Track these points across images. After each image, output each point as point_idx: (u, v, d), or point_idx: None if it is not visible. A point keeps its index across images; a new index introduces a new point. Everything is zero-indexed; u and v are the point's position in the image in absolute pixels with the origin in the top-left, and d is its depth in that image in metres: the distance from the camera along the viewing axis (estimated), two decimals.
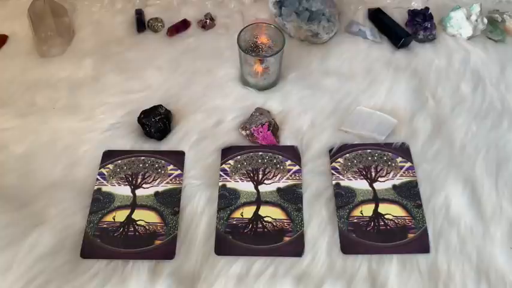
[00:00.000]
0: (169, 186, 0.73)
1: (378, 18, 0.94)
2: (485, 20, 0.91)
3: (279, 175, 0.74)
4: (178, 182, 0.73)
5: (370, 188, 0.73)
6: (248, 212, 0.70)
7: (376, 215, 0.70)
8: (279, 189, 0.72)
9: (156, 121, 0.76)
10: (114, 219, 0.70)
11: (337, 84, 0.84)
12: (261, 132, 0.76)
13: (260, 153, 0.76)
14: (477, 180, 0.73)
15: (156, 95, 0.83)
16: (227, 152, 0.76)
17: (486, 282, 0.64)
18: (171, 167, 0.75)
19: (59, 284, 0.63)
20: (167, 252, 0.67)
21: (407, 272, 0.65)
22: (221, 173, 0.74)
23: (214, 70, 0.86)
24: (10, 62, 0.88)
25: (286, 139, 0.78)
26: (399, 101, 0.82)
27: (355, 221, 0.69)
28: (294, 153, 0.76)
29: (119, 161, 0.75)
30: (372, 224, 0.69)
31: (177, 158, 0.76)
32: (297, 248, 0.67)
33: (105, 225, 0.69)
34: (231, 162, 0.75)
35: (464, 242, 0.67)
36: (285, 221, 0.69)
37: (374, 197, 0.72)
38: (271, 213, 0.70)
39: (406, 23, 0.94)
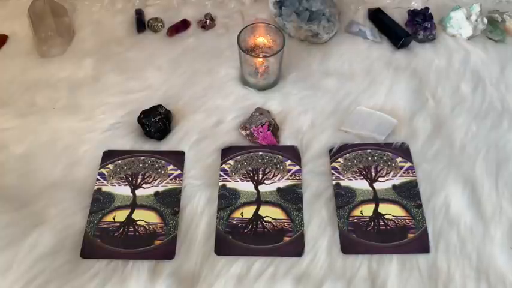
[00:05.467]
0: (169, 186, 0.73)
1: (378, 18, 0.94)
2: (485, 20, 0.91)
3: (279, 175, 0.74)
4: (178, 182, 0.73)
5: (370, 188, 0.73)
6: (248, 212, 0.70)
7: (376, 215, 0.70)
8: (279, 189, 0.72)
9: (156, 121, 0.76)
10: (114, 219, 0.70)
11: (337, 84, 0.84)
12: (261, 132, 0.76)
13: (260, 153, 0.76)
14: (477, 180, 0.73)
15: (156, 95, 0.83)
16: (227, 152, 0.76)
17: (486, 282, 0.64)
18: (171, 167, 0.75)
19: (59, 284, 0.63)
20: (167, 252, 0.67)
21: (407, 272, 0.65)
22: (221, 173, 0.74)
23: (214, 70, 0.86)
24: (10, 62, 0.88)
25: (286, 139, 0.78)
26: (399, 101, 0.82)
27: (355, 221, 0.69)
28: (294, 153, 0.76)
29: (119, 161, 0.75)
30: (372, 224, 0.69)
31: (177, 158, 0.76)
32: (297, 248, 0.67)
33: (105, 225, 0.69)
34: (231, 162, 0.75)
35: (464, 242, 0.67)
36: (285, 221, 0.69)
37: (374, 197, 0.72)
38: (271, 213, 0.70)
39: (406, 23, 0.94)
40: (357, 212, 0.70)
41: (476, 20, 0.90)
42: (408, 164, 0.75)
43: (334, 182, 0.73)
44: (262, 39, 0.83)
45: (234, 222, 0.69)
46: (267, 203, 0.71)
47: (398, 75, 0.86)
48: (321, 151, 0.76)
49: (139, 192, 0.72)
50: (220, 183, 0.73)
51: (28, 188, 0.72)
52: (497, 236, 0.68)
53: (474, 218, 0.69)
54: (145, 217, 0.70)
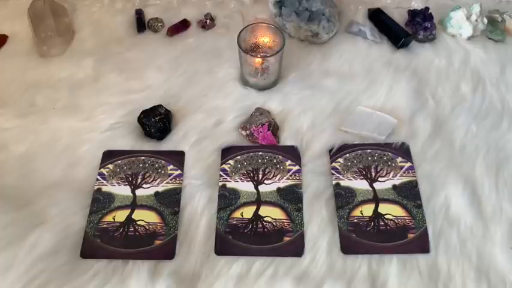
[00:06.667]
0: (169, 186, 0.73)
1: (378, 18, 0.94)
2: (485, 20, 0.91)
3: (279, 175, 0.74)
4: (178, 182, 0.73)
5: (370, 188, 0.73)
6: (248, 212, 0.70)
7: (376, 215, 0.70)
8: (279, 189, 0.72)
9: (156, 121, 0.76)
10: (114, 219, 0.70)
11: (337, 84, 0.84)
12: (261, 132, 0.76)
13: (260, 153, 0.76)
14: (477, 180, 0.73)
15: (156, 95, 0.83)
16: (227, 152, 0.76)
17: (486, 282, 0.64)
18: (171, 167, 0.75)
19: (59, 284, 0.63)
20: (167, 252, 0.67)
21: (407, 272, 0.65)
22: (221, 173, 0.74)
23: (214, 70, 0.86)
24: (10, 62, 0.88)
25: (286, 139, 0.78)
26: (399, 101, 0.82)
27: (355, 221, 0.69)
28: (294, 153, 0.76)
29: (119, 161, 0.75)
30: (372, 224, 0.69)
31: (177, 158, 0.76)
32: (297, 248, 0.67)
33: (105, 225, 0.69)
34: (231, 162, 0.75)
35: (464, 242, 0.67)
36: (285, 221, 0.69)
37: (374, 197, 0.72)
38: (271, 213, 0.70)
39: (406, 23, 0.94)
40: (357, 212, 0.70)
41: (476, 20, 0.90)
42: (408, 164, 0.75)
43: (334, 182, 0.73)
44: (262, 39, 0.83)
45: (234, 222, 0.69)
46: (267, 203, 0.71)
47: (398, 75, 0.86)
48: (321, 151, 0.76)
49: (139, 192, 0.72)
50: (220, 183, 0.73)
51: (28, 188, 0.72)
52: (497, 236, 0.68)
53: (474, 218, 0.69)
54: (145, 217, 0.70)
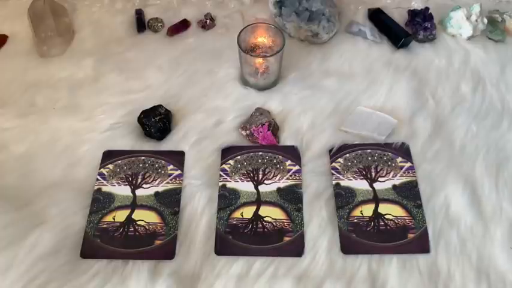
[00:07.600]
0: (169, 186, 0.73)
1: (378, 18, 0.94)
2: (485, 20, 0.91)
3: (279, 175, 0.74)
4: (178, 182, 0.73)
5: (370, 188, 0.73)
6: (248, 212, 0.70)
7: (376, 215, 0.70)
8: (279, 189, 0.72)
9: (156, 121, 0.76)
10: (114, 219, 0.70)
11: (337, 84, 0.84)
12: (261, 132, 0.76)
13: (260, 153, 0.76)
14: (477, 180, 0.73)
15: (156, 95, 0.83)
16: (227, 152, 0.76)
17: (486, 282, 0.64)
18: (171, 167, 0.75)
19: (59, 284, 0.63)
20: (167, 252, 0.67)
21: (407, 272, 0.65)
22: (221, 173, 0.74)
23: (214, 70, 0.86)
24: (10, 62, 0.88)
25: (286, 139, 0.78)
26: (399, 101, 0.82)
27: (355, 221, 0.69)
28: (294, 153, 0.76)
29: (119, 161, 0.75)
30: (372, 224, 0.69)
31: (177, 158, 0.76)
32: (297, 248, 0.67)
33: (105, 225, 0.69)
34: (231, 162, 0.75)
35: (464, 242, 0.67)
36: (285, 221, 0.69)
37: (374, 197, 0.72)
38: (271, 213, 0.70)
39: (406, 23, 0.94)
40: (357, 212, 0.70)
41: (476, 20, 0.90)
42: (408, 164, 0.75)
43: (334, 182, 0.73)
44: (262, 39, 0.83)
45: (234, 222, 0.69)
46: (267, 203, 0.71)
47: (398, 75, 0.86)
48: (321, 151, 0.76)
49: (139, 192, 0.72)
50: (220, 183, 0.73)
51: (28, 188, 0.72)
52: (497, 236, 0.68)
53: (474, 218, 0.69)
54: (145, 217, 0.70)
